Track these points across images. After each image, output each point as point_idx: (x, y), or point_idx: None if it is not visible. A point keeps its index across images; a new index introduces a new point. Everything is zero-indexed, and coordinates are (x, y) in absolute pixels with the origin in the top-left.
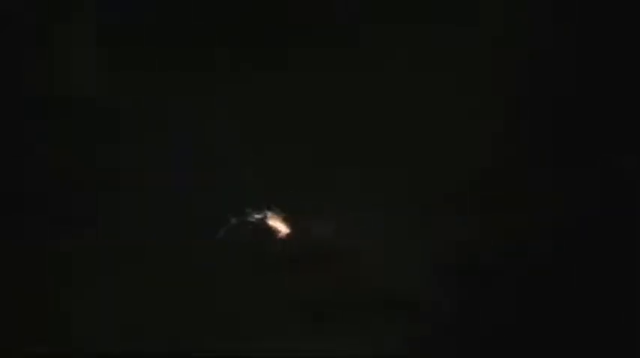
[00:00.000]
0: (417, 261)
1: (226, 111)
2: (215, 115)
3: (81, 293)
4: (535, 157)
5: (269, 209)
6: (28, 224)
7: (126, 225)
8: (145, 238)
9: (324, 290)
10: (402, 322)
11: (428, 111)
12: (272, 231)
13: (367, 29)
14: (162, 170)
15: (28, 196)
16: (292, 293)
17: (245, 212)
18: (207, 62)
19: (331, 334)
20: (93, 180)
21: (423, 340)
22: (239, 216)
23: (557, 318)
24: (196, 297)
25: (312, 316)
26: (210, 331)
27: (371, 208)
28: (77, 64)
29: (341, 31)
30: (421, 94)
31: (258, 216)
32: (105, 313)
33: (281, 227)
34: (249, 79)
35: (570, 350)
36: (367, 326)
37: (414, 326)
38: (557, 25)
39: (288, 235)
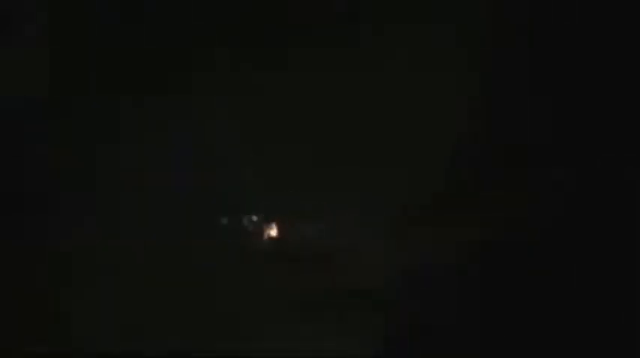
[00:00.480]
0: (417, 261)
1: (226, 111)
2: (215, 115)
3: (81, 293)
4: (534, 157)
5: (269, 208)
6: (28, 224)
7: (126, 225)
8: (145, 238)
9: (325, 291)
10: (403, 322)
11: (424, 111)
12: (272, 231)
13: (367, 29)
14: (162, 170)
15: (28, 196)
16: (292, 293)
17: (245, 212)
18: (208, 62)
19: (331, 334)
20: (93, 180)
21: (423, 340)
22: (239, 216)
23: (552, 319)
24: (196, 297)
25: (312, 316)
26: (210, 331)
27: (371, 208)
28: (77, 64)
29: (341, 31)
30: (419, 95)
31: (258, 216)
32: (105, 313)
33: (281, 227)
34: (249, 79)
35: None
36: (368, 326)
37: (414, 326)
38: (557, 25)
39: (287, 236)
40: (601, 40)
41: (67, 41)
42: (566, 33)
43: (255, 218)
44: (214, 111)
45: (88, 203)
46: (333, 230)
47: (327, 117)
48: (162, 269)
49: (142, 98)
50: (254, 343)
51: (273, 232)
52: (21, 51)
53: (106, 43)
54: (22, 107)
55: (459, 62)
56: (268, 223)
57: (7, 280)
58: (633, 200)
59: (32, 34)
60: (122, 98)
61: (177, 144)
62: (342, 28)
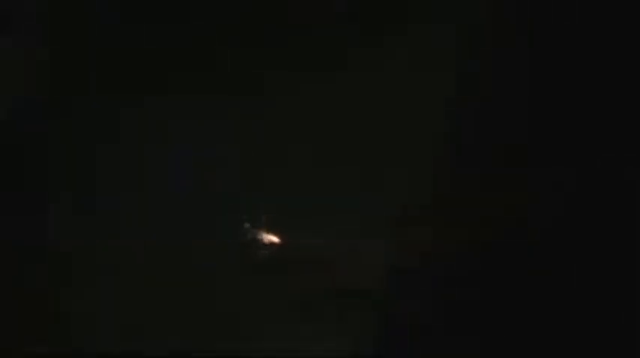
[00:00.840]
0: (417, 261)
1: (226, 110)
2: (215, 115)
3: (81, 293)
4: (533, 157)
5: (268, 208)
6: (27, 224)
7: (126, 225)
8: (145, 238)
9: (325, 291)
10: (402, 322)
11: (422, 111)
12: (271, 232)
13: (367, 29)
14: (162, 170)
15: (28, 196)
16: (292, 293)
17: (245, 212)
18: (208, 62)
19: (331, 334)
20: (93, 179)
21: (422, 340)
22: (238, 216)
23: (552, 320)
24: (196, 297)
25: (312, 316)
26: (210, 331)
27: (371, 208)
28: (77, 64)
29: (341, 30)
30: (418, 95)
31: (258, 217)
32: (105, 313)
33: (280, 227)
34: (249, 78)
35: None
36: (368, 326)
37: (413, 326)
38: (557, 24)
39: (286, 236)
40: (601, 40)
41: (67, 41)
42: (566, 32)
43: (255, 218)
44: (214, 111)
45: (89, 203)
46: (333, 230)
47: (327, 117)
48: (162, 269)
49: (142, 98)
50: (254, 343)
51: (273, 232)
52: (21, 51)
53: (106, 43)
54: (22, 107)
55: (459, 62)
56: (268, 223)
57: (7, 280)
58: (633, 200)
59: (32, 34)
60: (122, 98)
61: (178, 145)
62: (342, 28)
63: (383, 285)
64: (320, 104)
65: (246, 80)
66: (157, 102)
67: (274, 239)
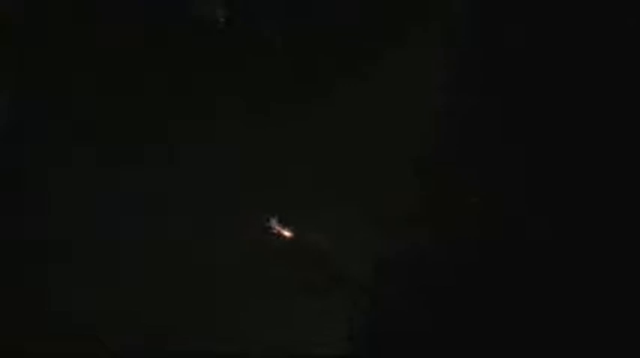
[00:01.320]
0: (414, 259)
1: (227, 109)
2: (218, 115)
3: (81, 293)
4: (532, 156)
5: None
6: (28, 223)
7: (126, 225)
8: (145, 238)
9: (326, 291)
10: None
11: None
12: (274, 232)
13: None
14: (162, 170)
15: (29, 196)
16: (293, 293)
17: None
18: (209, 64)
19: (331, 334)
20: (93, 179)
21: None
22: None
23: (551, 320)
24: (196, 297)
25: (312, 316)
26: (210, 331)
27: (368, 207)
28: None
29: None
30: (418, 97)
31: (260, 216)
32: (105, 313)
33: (282, 228)
34: (250, 78)
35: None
36: (363, 322)
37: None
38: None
39: (289, 236)
40: (601, 40)
41: (67, 41)
42: (567, 33)
43: (257, 217)
44: (216, 111)
45: (89, 203)
46: (333, 227)
47: (327, 118)
48: (162, 268)
49: (141, 98)
50: (254, 343)
51: (275, 230)
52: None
53: (107, 43)
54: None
55: (452, 62)
56: (270, 222)
57: (7, 279)
58: (633, 198)
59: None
60: (122, 98)
61: (179, 144)
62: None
63: (381, 283)
64: (320, 105)
65: (247, 80)
66: (157, 102)
67: (275, 237)
